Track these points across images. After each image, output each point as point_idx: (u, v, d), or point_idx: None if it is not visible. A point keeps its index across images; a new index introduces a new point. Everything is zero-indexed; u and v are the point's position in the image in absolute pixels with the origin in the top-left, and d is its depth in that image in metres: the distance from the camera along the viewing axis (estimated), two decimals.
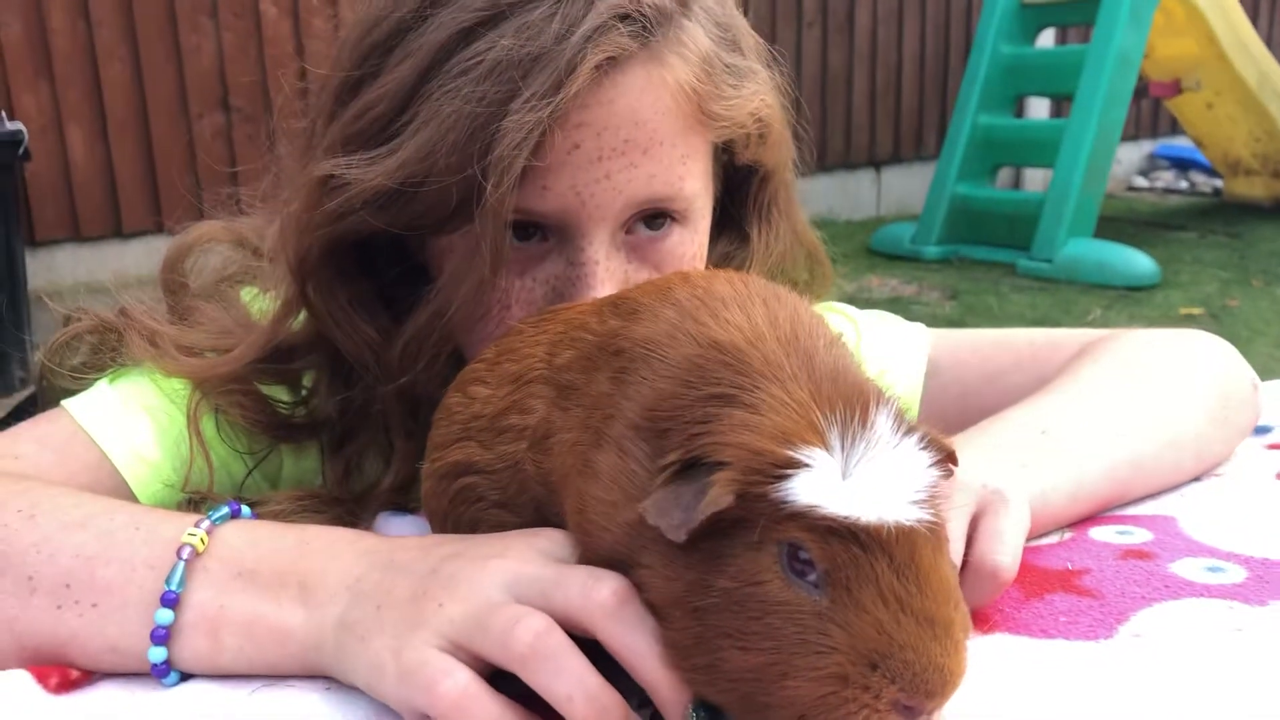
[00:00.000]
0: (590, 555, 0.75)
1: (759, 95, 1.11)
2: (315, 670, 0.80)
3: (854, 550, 0.63)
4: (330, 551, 0.83)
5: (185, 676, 0.83)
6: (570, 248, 1.04)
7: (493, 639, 0.71)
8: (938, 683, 0.62)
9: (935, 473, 0.67)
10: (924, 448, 0.67)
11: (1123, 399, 1.07)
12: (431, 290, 1.06)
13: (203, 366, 1.12)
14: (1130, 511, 1.05)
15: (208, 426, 1.13)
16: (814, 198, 7.19)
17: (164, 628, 0.81)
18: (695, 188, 1.07)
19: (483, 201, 0.96)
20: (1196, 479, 1.12)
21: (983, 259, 6.47)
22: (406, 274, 1.12)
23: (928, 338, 1.33)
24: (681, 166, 1.05)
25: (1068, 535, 1.00)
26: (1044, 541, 0.99)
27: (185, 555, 0.82)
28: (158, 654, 0.81)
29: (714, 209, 1.16)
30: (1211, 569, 0.91)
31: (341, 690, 0.79)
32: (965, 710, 0.71)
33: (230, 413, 1.13)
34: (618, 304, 0.83)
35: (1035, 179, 7.88)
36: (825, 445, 0.65)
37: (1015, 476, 0.93)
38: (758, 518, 0.64)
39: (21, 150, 4.50)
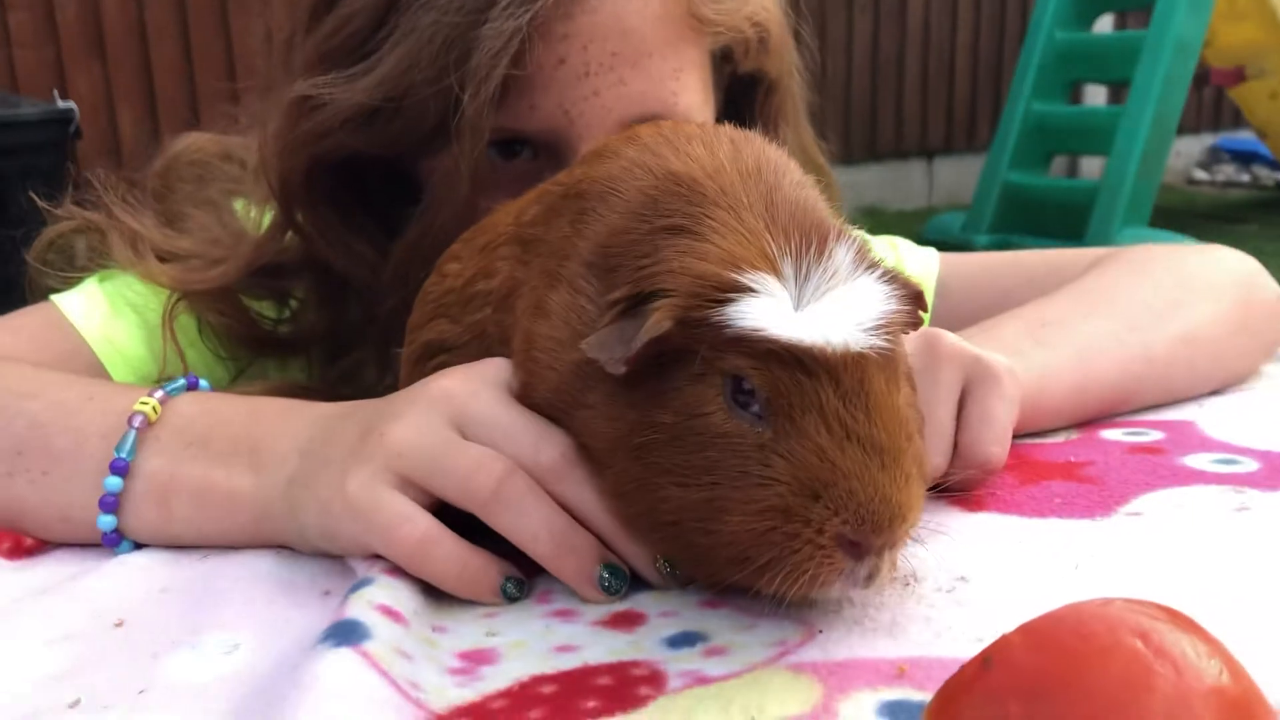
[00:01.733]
0: (534, 395, 0.71)
1: None
2: (267, 539, 0.77)
3: (798, 376, 0.59)
4: (283, 418, 0.80)
5: (139, 546, 0.80)
6: (560, 167, 1.00)
7: (453, 482, 0.68)
8: (885, 515, 0.57)
9: (895, 305, 0.62)
10: (886, 282, 0.63)
11: (1134, 296, 1.01)
12: (418, 211, 1.03)
13: (184, 277, 1.09)
14: (1146, 416, 0.99)
15: (190, 327, 1.11)
16: (864, 187, 7.09)
17: (113, 495, 0.78)
18: (691, 101, 1.03)
19: (460, 115, 0.92)
20: (1218, 393, 1.06)
21: (1035, 247, 6.34)
22: (402, 189, 1.09)
23: (936, 258, 1.28)
24: (674, 81, 1.01)
25: (1075, 435, 0.95)
26: (1049, 440, 0.93)
27: (137, 424, 0.80)
28: (107, 522, 0.79)
29: (717, 122, 1.12)
30: (1224, 460, 0.86)
31: (292, 554, 0.76)
32: (944, 578, 0.67)
33: (212, 322, 1.11)
34: (587, 154, 0.79)
35: (1091, 167, 7.73)
36: (776, 273, 0.60)
37: (1011, 362, 0.88)
38: (701, 347, 0.60)
39: (73, 129, 4.56)
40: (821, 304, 0.60)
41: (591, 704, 0.54)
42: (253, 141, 1.18)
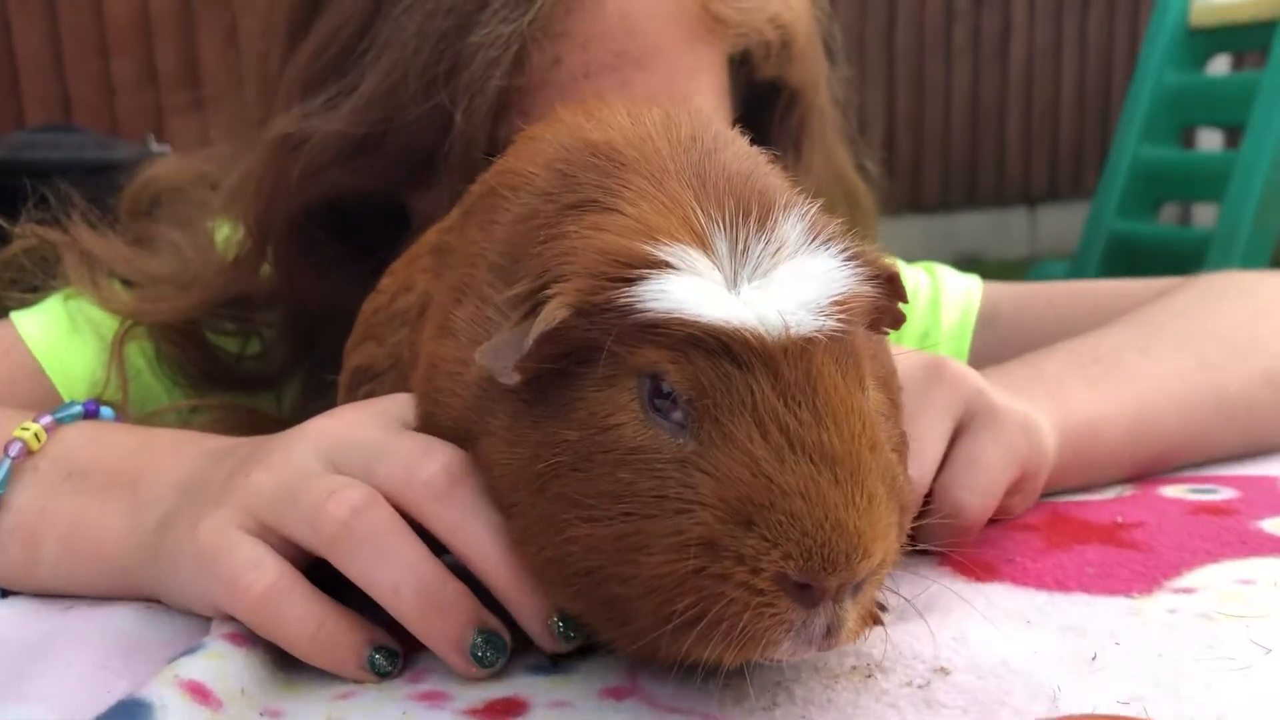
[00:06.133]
0: (436, 428, 0.58)
1: None
2: (136, 590, 0.66)
3: (726, 368, 0.46)
4: (173, 450, 0.69)
5: (6, 594, 0.70)
6: None
7: (300, 515, 0.56)
8: (840, 546, 0.43)
9: (858, 285, 0.49)
10: (848, 260, 0.49)
11: (1205, 326, 0.85)
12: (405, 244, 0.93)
13: (140, 307, 1.00)
14: (1217, 471, 0.83)
15: (150, 351, 1.02)
16: (964, 235, 6.86)
17: None
18: (706, 108, 0.91)
19: (452, 133, 0.81)
20: None
21: None
22: (391, 222, 0.98)
23: (979, 286, 1.13)
24: (688, 83, 0.89)
25: (1129, 491, 0.79)
26: (1097, 496, 0.78)
27: (14, 452, 0.70)
28: None
29: None
30: None
31: (162, 609, 0.64)
32: (919, 669, 0.52)
33: (169, 354, 1.01)
34: (511, 147, 0.67)
35: (1205, 216, 7.39)
36: (705, 247, 0.48)
37: (1047, 407, 0.73)
38: (608, 340, 0.47)
39: None
40: (761, 283, 0.47)
41: None
42: (224, 151, 1.09)
